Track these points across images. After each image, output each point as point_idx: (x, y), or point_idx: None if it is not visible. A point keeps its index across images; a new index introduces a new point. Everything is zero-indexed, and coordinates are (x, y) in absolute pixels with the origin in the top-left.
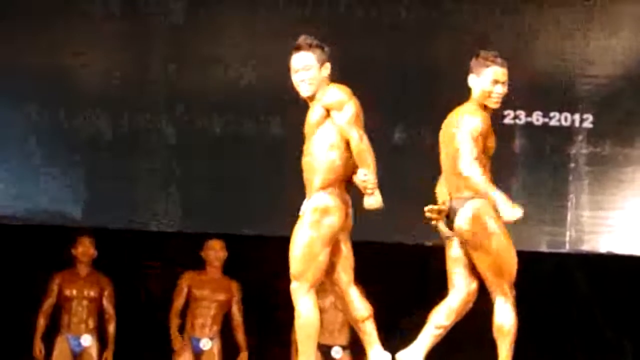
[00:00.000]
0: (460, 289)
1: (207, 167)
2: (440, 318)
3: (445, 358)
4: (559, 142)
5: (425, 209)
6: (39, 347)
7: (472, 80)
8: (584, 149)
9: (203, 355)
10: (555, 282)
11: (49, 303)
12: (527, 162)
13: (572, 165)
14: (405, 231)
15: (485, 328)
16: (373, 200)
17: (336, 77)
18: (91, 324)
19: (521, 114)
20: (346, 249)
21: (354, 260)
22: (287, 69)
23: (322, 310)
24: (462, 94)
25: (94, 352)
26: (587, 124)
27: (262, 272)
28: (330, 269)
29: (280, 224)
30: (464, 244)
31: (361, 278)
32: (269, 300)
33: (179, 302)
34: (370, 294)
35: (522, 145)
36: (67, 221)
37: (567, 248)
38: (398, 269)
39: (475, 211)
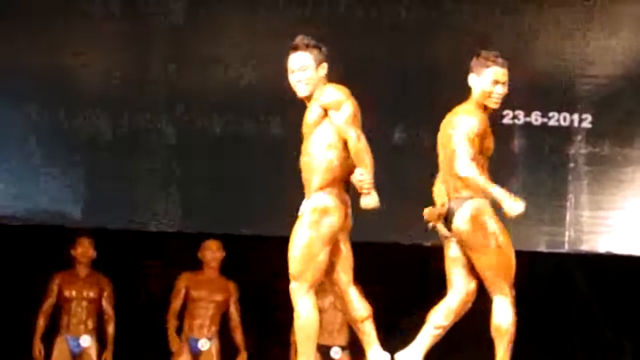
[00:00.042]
0: (459, 289)
1: (207, 167)
2: (439, 318)
3: (444, 358)
4: (558, 142)
5: (425, 212)
6: (38, 348)
7: (472, 79)
8: (583, 149)
9: (201, 356)
10: (554, 282)
11: (48, 304)
12: (526, 162)
13: (571, 165)
14: (404, 231)
15: (484, 328)
16: (369, 200)
17: (336, 77)
18: (90, 324)
19: (520, 114)
20: (345, 249)
21: (353, 261)
22: (287, 69)
23: (321, 311)
24: (462, 94)
25: (93, 352)
26: (586, 124)
27: (261, 272)
28: (330, 269)
29: (280, 224)
30: (462, 244)
31: (361, 278)
32: (269, 300)
33: (176, 304)
34: (369, 294)
35: (521, 145)
36: (66, 221)
37: (566, 248)
38: (397, 269)
39: (473, 211)
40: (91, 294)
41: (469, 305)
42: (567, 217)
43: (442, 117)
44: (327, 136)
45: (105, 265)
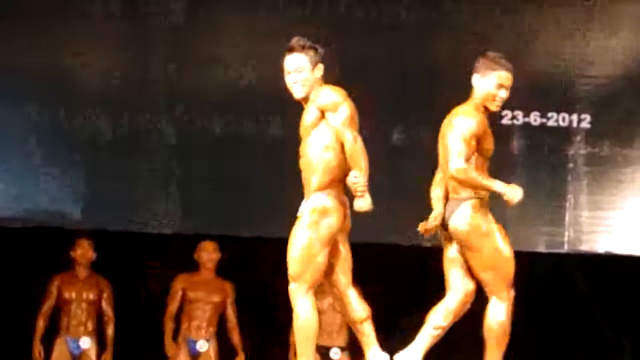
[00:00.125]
0: (457, 290)
1: (207, 167)
2: (438, 319)
3: (443, 359)
4: (557, 143)
5: (420, 226)
6: (38, 350)
7: (476, 80)
8: (582, 149)
9: (200, 357)
10: (554, 283)
11: (48, 305)
12: (525, 162)
13: (571, 165)
14: (403, 232)
15: None
16: (363, 203)
17: (336, 77)
18: (90, 326)
19: (519, 114)
20: (345, 250)
21: (352, 262)
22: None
23: (320, 312)
24: (462, 94)
25: (93, 354)
26: (585, 124)
27: (261, 272)
28: (329, 270)
29: (279, 224)
30: (460, 245)
31: (360, 279)
32: (269, 300)
33: (173, 306)
34: (369, 295)
35: (520, 145)
36: (66, 221)
37: (565, 248)
38: (397, 270)
39: (470, 212)
40: (91, 296)
41: (468, 306)
42: (567, 218)
43: (442, 117)
44: (325, 138)
45: (105, 266)
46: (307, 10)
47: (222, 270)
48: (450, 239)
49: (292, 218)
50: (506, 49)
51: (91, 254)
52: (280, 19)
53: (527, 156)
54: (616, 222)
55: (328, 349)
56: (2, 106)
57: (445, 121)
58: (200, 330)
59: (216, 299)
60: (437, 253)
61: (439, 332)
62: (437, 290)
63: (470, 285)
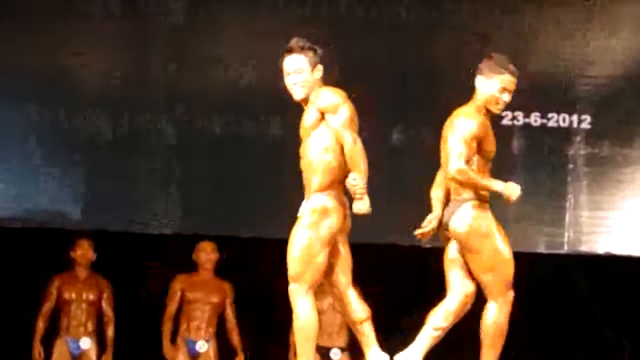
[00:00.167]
0: (457, 291)
1: (207, 168)
2: (438, 320)
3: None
4: (557, 143)
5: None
6: (38, 350)
7: (480, 82)
8: (583, 149)
9: (199, 358)
10: (554, 283)
11: (48, 306)
12: (526, 163)
13: (571, 166)
14: (403, 232)
15: None
16: (362, 205)
17: (336, 77)
18: (90, 326)
19: (519, 114)
20: (344, 251)
21: (353, 262)
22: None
23: (320, 312)
24: (462, 94)
25: (93, 354)
26: (586, 125)
27: (262, 273)
28: (329, 270)
29: (279, 225)
30: (460, 246)
31: (360, 279)
32: (269, 300)
33: (172, 307)
34: (369, 295)
35: (521, 146)
36: (66, 221)
37: (565, 249)
38: (397, 270)
39: (471, 213)
40: (91, 296)
41: (468, 307)
42: (567, 218)
43: (442, 117)
44: (325, 139)
45: (105, 267)
46: (307, 10)
47: (222, 270)
48: (450, 239)
49: (292, 218)
50: (506, 49)
51: (91, 255)
52: (280, 19)
53: (528, 157)
54: (616, 223)
55: (328, 349)
56: (2, 106)
57: (447, 123)
58: (200, 330)
59: (215, 299)
60: (437, 253)
61: (439, 333)
62: (437, 290)
63: (470, 287)
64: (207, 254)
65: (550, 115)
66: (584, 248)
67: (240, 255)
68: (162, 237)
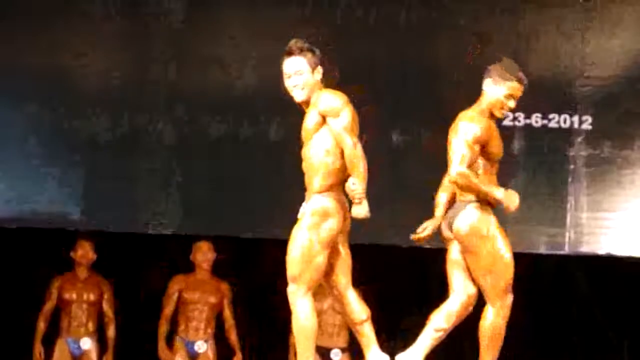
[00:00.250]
0: (459, 293)
1: (207, 168)
2: (440, 321)
3: None
4: (558, 144)
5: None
6: (38, 351)
7: (488, 85)
8: (583, 150)
9: (198, 358)
10: (555, 284)
11: (48, 306)
12: (527, 163)
13: (571, 166)
14: (404, 233)
15: None
16: (360, 210)
17: (336, 77)
18: (91, 327)
19: (520, 115)
20: (344, 252)
21: (353, 263)
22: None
23: (320, 313)
24: (462, 94)
25: (93, 355)
26: (586, 126)
27: (262, 272)
28: (329, 271)
29: (279, 225)
30: (462, 247)
31: (361, 280)
32: (270, 300)
33: (169, 309)
34: (369, 296)
35: (521, 146)
36: (66, 221)
37: (566, 249)
38: (398, 271)
39: (473, 215)
40: (91, 297)
41: (470, 308)
42: (568, 219)
43: (441, 117)
44: (326, 142)
45: (106, 267)
46: (307, 10)
47: (223, 270)
48: (453, 240)
49: (292, 219)
50: (506, 49)
51: (92, 255)
52: (280, 19)
53: (528, 157)
54: (617, 224)
55: (328, 350)
56: (2, 106)
57: (452, 126)
58: (198, 331)
59: (213, 299)
60: (437, 254)
61: (440, 334)
62: (437, 291)
63: (472, 289)
64: (204, 254)
65: (551, 116)
66: (585, 249)
67: (241, 255)
68: (163, 237)
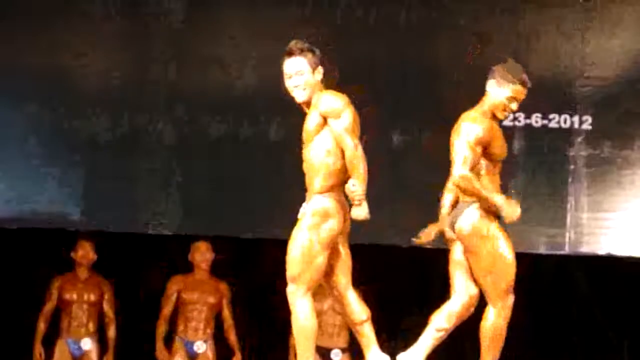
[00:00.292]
0: (461, 294)
1: (207, 168)
2: (442, 321)
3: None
4: (558, 144)
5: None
6: (39, 351)
7: (491, 86)
8: (583, 150)
9: (197, 359)
10: (555, 284)
11: (49, 307)
12: (527, 163)
13: (572, 166)
14: (404, 233)
15: None
16: (360, 211)
17: (336, 77)
18: (91, 327)
19: (520, 115)
20: (344, 252)
21: (354, 263)
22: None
23: (321, 313)
24: (462, 94)
25: (94, 355)
26: (586, 126)
27: (262, 273)
28: (329, 272)
29: (280, 225)
30: (464, 247)
31: (361, 280)
32: (270, 301)
33: (167, 309)
34: (370, 296)
35: (521, 146)
36: (66, 221)
37: (566, 250)
38: (398, 271)
39: (476, 215)
40: (92, 297)
41: (472, 309)
42: (568, 219)
43: (441, 117)
44: (327, 143)
45: (106, 267)
46: (307, 10)
47: (223, 270)
48: (456, 241)
49: (292, 219)
50: (506, 49)
51: (92, 256)
52: (280, 19)
53: (529, 157)
54: (617, 224)
55: (329, 350)
56: (2, 106)
57: (455, 127)
58: (198, 331)
59: (212, 299)
60: (438, 255)
61: (441, 334)
62: (438, 291)
63: (474, 289)
64: (202, 254)
65: (551, 116)
66: (585, 249)
67: (240, 255)
68: (163, 237)
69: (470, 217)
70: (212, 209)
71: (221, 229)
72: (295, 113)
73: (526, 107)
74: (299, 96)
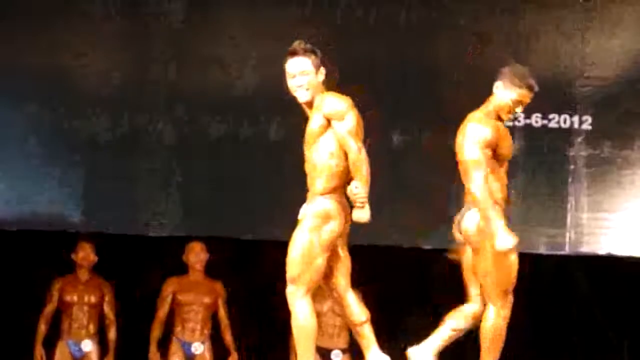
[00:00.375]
0: (476, 300)
1: (207, 168)
2: (458, 321)
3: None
4: (558, 144)
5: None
6: (39, 353)
7: (498, 88)
8: (583, 150)
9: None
10: (555, 284)
11: (49, 308)
12: (526, 163)
13: (571, 167)
14: (405, 234)
15: None
16: (362, 214)
17: (336, 77)
18: (92, 329)
19: (520, 115)
20: (343, 254)
21: (354, 263)
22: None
23: (321, 314)
24: (462, 94)
25: (94, 357)
26: (586, 126)
27: (262, 273)
28: (328, 273)
29: (280, 226)
30: (470, 247)
31: (361, 280)
32: (270, 301)
33: (162, 312)
34: (370, 297)
35: (522, 147)
36: (66, 222)
37: (566, 250)
38: (398, 271)
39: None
40: (92, 299)
41: None
42: (568, 219)
43: (441, 117)
44: (330, 145)
45: (107, 269)
46: (307, 10)
47: (223, 271)
48: (466, 245)
49: (292, 220)
50: (506, 49)
51: (93, 257)
52: (280, 19)
53: (529, 157)
54: (617, 224)
55: (329, 351)
56: (2, 106)
57: (460, 128)
58: (195, 332)
59: (207, 300)
60: (438, 255)
61: (455, 334)
62: (438, 292)
63: None
64: (196, 254)
65: (551, 116)
66: (585, 249)
67: (243, 253)
68: (163, 239)
69: (475, 218)
70: (212, 209)
71: (221, 229)
72: (295, 113)
73: (526, 107)
74: (302, 96)
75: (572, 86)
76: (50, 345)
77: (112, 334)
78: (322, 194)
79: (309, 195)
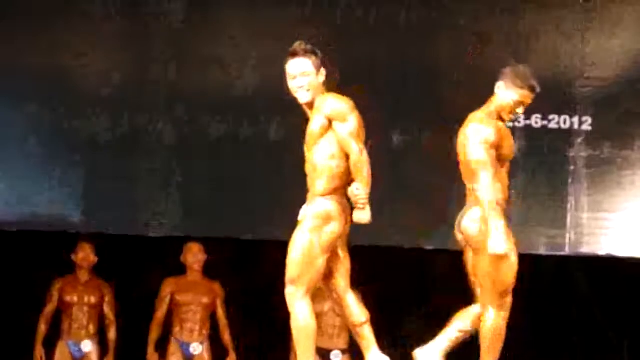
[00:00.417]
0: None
1: (207, 168)
2: (465, 323)
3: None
4: (558, 145)
5: None
6: (39, 353)
7: (500, 89)
8: (583, 151)
9: None
10: (555, 284)
11: (49, 309)
12: (526, 164)
13: (571, 167)
14: (405, 235)
15: None
16: (363, 215)
17: (337, 78)
18: (92, 329)
19: (520, 116)
20: (343, 255)
21: (354, 264)
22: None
23: (321, 314)
24: (462, 94)
25: (94, 357)
26: (586, 126)
27: (262, 274)
28: (328, 274)
29: (280, 226)
30: (470, 247)
31: (361, 281)
32: (270, 302)
33: (160, 312)
34: (370, 297)
35: (521, 147)
36: (66, 222)
37: (566, 250)
38: (399, 272)
39: (480, 214)
40: (92, 299)
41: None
42: (568, 220)
43: (441, 117)
44: (331, 146)
45: (106, 269)
46: (307, 10)
47: (222, 271)
48: (468, 247)
49: (292, 220)
50: (506, 49)
51: (93, 258)
52: (280, 19)
53: (528, 158)
54: (617, 224)
55: (329, 351)
56: (2, 106)
57: (462, 129)
58: (193, 332)
59: (205, 300)
60: (437, 255)
61: (462, 335)
62: (438, 292)
63: None
64: (194, 255)
65: (551, 116)
66: (585, 249)
67: (243, 253)
68: (163, 239)
69: (474, 217)
70: (212, 209)
71: (221, 230)
72: (296, 113)
73: (526, 107)
74: (303, 97)
75: (572, 86)
76: (50, 345)
77: (112, 335)
78: (322, 195)
79: (309, 196)
